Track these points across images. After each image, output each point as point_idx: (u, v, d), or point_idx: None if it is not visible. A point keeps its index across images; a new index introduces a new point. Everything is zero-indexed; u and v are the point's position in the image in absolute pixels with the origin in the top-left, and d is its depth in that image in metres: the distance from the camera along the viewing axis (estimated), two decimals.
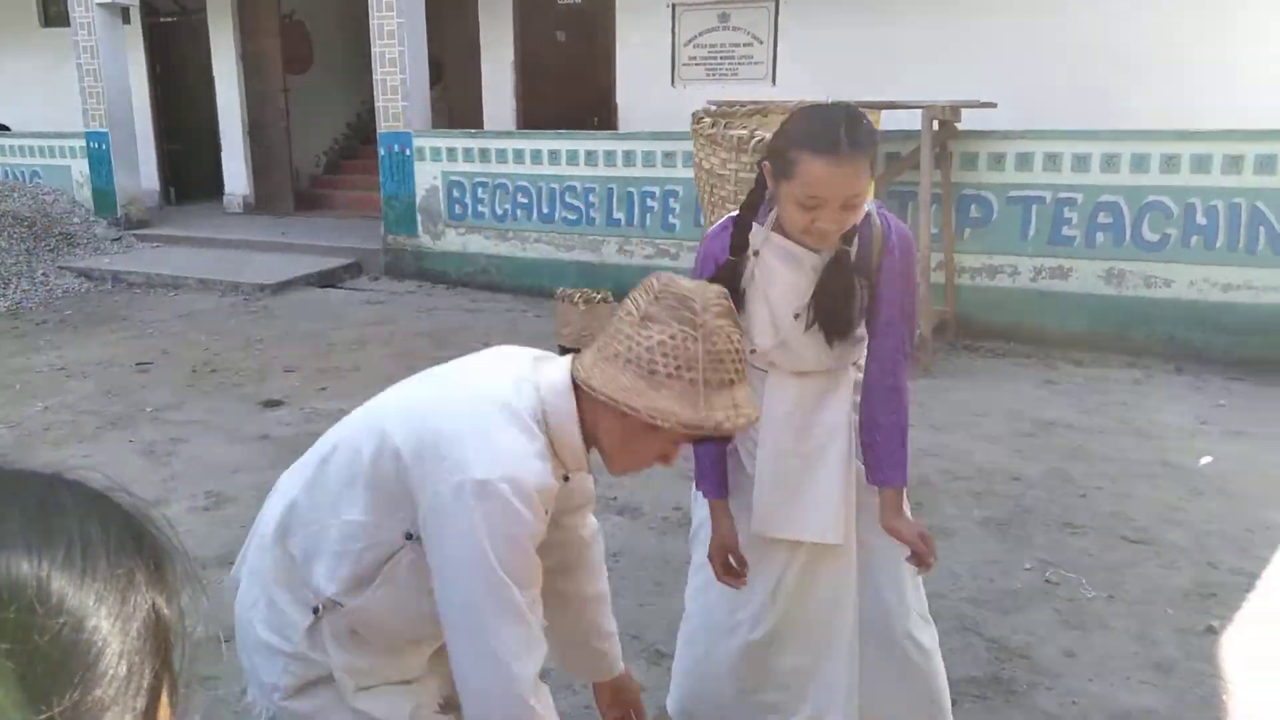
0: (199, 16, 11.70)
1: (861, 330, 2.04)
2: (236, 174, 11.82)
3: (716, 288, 1.52)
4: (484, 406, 1.46)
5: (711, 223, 3.83)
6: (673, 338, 1.41)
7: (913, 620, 2.15)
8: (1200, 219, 5.86)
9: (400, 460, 1.45)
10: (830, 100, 2.36)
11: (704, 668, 2.27)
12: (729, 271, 2.01)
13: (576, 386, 1.49)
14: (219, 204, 11.92)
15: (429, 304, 7.77)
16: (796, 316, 1.99)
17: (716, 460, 2.10)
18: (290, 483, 1.63)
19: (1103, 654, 2.92)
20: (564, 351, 4.69)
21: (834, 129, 1.79)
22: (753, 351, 2.04)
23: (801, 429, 2.07)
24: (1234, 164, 5.74)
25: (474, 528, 1.38)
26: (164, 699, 0.53)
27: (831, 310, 1.96)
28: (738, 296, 2.00)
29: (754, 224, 2.01)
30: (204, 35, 11.63)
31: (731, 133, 4.36)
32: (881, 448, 2.02)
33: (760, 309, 2.02)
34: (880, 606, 2.15)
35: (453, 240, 8.45)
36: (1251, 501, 3.95)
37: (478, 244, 8.29)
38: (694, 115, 4.40)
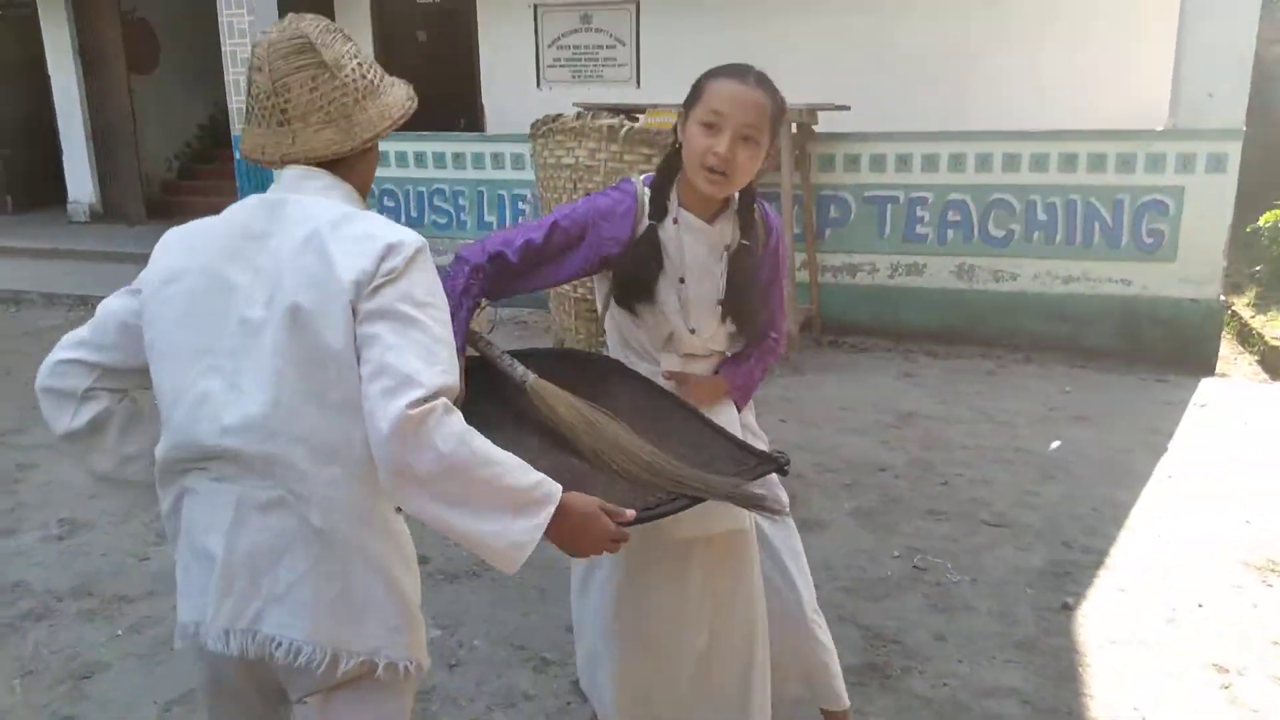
0: (27, 10, 10.99)
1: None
2: (81, 180, 11.16)
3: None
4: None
5: None
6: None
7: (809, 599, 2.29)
8: (1041, 215, 6.22)
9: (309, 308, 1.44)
10: None
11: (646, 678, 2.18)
12: (649, 239, 1.98)
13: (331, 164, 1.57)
14: (63, 212, 11.24)
15: None
16: (720, 304, 2.03)
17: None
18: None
19: (969, 635, 3.07)
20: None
21: (746, 67, 1.94)
22: (671, 337, 2.05)
23: None
24: (1069, 162, 6.11)
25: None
26: None
27: (743, 305, 2.04)
28: (653, 269, 1.98)
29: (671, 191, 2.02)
30: (36, 31, 10.93)
31: (601, 121, 4.36)
32: (734, 364, 2.12)
33: (669, 294, 2.01)
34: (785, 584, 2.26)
35: None
36: (1098, 482, 4.23)
37: None
38: (533, 124, 4.36)
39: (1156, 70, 7.17)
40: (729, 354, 2.15)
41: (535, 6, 9.21)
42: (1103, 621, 3.15)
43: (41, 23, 10.84)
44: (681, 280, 2.01)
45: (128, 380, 1.59)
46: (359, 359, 1.41)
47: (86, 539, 3.74)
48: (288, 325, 1.42)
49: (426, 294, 1.45)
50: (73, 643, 3.05)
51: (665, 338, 2.07)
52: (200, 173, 11.79)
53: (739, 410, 2.13)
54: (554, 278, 2.03)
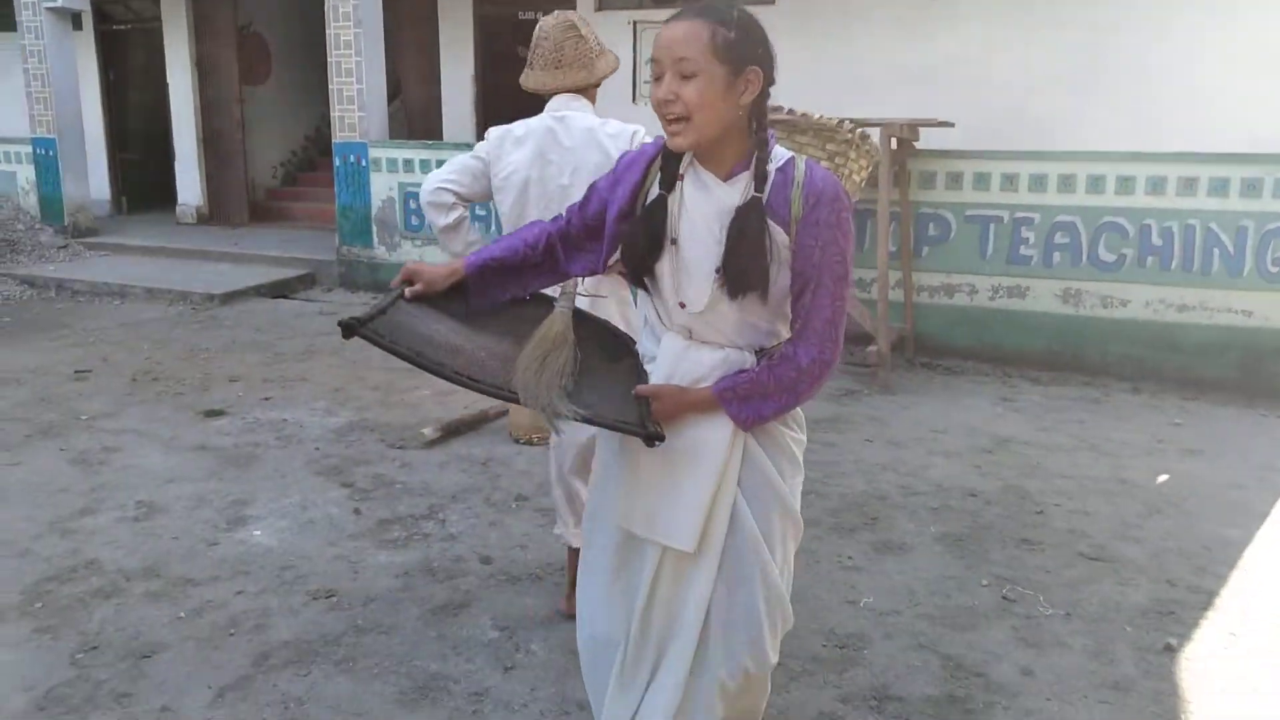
0: (153, 25, 11.50)
1: (775, 311, 1.85)
2: (190, 184, 11.60)
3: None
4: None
5: None
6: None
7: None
8: (1156, 240, 5.88)
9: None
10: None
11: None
12: (657, 207, 1.81)
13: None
14: (172, 214, 11.69)
15: None
16: (717, 271, 1.77)
17: (501, 254, 2.04)
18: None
19: (1060, 673, 2.83)
20: None
21: (693, 5, 1.75)
22: (681, 306, 1.85)
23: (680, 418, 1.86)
24: (1189, 186, 5.77)
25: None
26: None
27: (742, 271, 1.75)
28: (661, 244, 1.80)
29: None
30: (158, 44, 11.44)
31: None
32: (747, 378, 1.81)
33: (668, 262, 1.83)
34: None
35: (409, 252, 8.31)
36: (1208, 519, 3.92)
37: (434, 257, 8.15)
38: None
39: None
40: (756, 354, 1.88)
41: (634, 23, 9.20)
42: (1210, 667, 2.87)
43: (165, 36, 11.33)
44: (674, 242, 1.81)
45: (469, 200, 2.84)
46: None
47: (160, 522, 3.77)
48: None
49: None
50: (136, 623, 3.05)
51: (670, 312, 1.88)
52: (304, 179, 12.14)
53: (743, 428, 1.84)
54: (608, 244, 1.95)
